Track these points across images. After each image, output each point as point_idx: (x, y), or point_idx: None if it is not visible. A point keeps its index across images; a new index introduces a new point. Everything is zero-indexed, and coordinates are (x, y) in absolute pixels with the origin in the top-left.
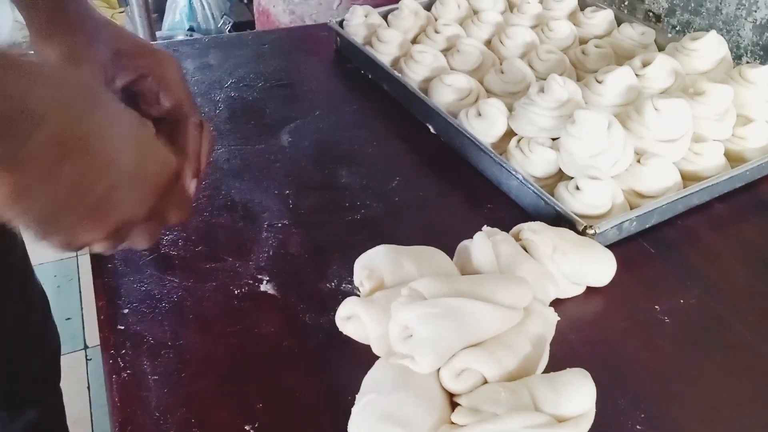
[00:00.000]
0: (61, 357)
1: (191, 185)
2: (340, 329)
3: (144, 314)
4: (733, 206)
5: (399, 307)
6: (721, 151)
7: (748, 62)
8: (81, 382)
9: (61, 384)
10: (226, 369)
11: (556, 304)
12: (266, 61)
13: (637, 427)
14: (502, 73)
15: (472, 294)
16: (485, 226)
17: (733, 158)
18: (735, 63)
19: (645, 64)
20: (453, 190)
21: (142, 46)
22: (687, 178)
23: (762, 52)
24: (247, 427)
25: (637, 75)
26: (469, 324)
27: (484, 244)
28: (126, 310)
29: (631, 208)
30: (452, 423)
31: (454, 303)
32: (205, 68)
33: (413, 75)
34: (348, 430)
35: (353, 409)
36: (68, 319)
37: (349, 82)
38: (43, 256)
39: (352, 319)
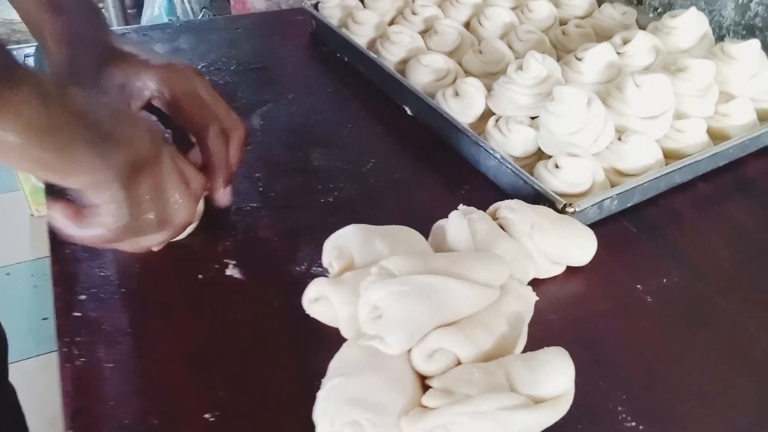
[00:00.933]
0: (38, 357)
1: (224, 197)
2: (307, 312)
3: (102, 300)
4: (717, 185)
5: (368, 286)
6: (703, 127)
7: None
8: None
9: (38, 385)
10: (188, 356)
11: (535, 284)
12: (239, 45)
13: (619, 408)
14: (481, 53)
15: (446, 272)
16: (461, 205)
17: (715, 136)
18: (717, 42)
19: (625, 42)
20: (430, 172)
21: (149, 67)
22: (669, 156)
23: (744, 32)
24: (207, 416)
25: (617, 53)
26: (442, 302)
27: (459, 223)
28: (83, 297)
29: (613, 187)
30: (423, 406)
31: (426, 280)
32: (175, 52)
33: (390, 56)
34: (313, 416)
35: (319, 394)
36: (45, 319)
37: (324, 65)
38: (20, 255)
39: (320, 301)
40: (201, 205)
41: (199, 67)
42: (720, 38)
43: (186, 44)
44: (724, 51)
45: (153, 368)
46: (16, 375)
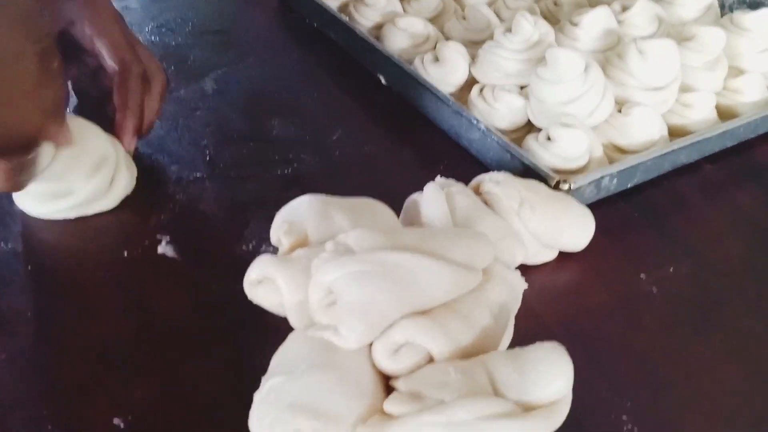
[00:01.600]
0: None
1: (131, 143)
2: (249, 297)
3: (1, 279)
4: (725, 169)
5: (321, 265)
6: (712, 102)
7: None
8: None
9: None
10: (102, 349)
11: (523, 271)
12: (198, 7)
13: (623, 417)
14: (465, 19)
15: (417, 249)
16: (439, 176)
17: (724, 114)
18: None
19: (624, 9)
20: (404, 146)
21: None
22: (674, 133)
23: (749, 8)
24: (116, 421)
25: (617, 21)
26: (412, 285)
27: (436, 197)
28: None
29: (611, 164)
30: (385, 413)
31: (393, 259)
32: (123, 11)
33: (363, 21)
34: (249, 423)
35: (255, 396)
36: None
37: (291, 31)
38: None
39: (265, 284)
40: (132, 170)
41: (150, 26)
42: (724, 14)
43: (136, 3)
44: (734, 22)
45: (56, 362)
46: None
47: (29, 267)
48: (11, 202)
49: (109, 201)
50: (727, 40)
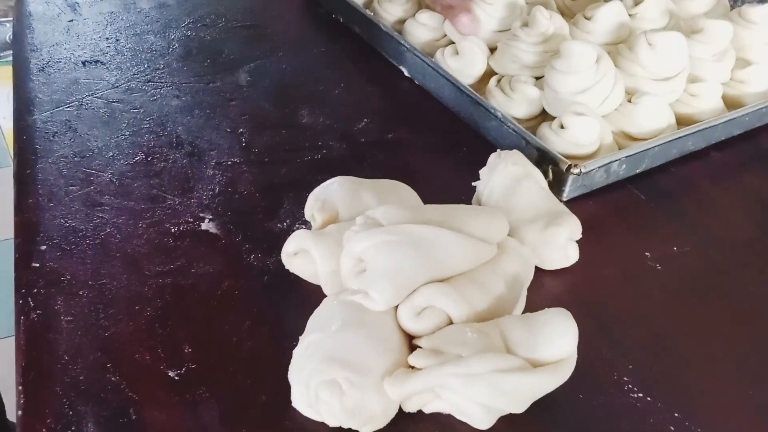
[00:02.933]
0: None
1: None
2: (286, 267)
3: (64, 251)
4: (732, 155)
5: (352, 236)
6: (719, 92)
7: None
8: None
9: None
10: (153, 311)
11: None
12: (229, 3)
13: (624, 378)
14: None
15: (439, 223)
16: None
17: (731, 104)
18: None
19: (636, 3)
20: (425, 133)
21: None
22: (682, 122)
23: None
24: (171, 373)
25: (629, 15)
26: (434, 255)
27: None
28: (44, 247)
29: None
30: (410, 367)
31: (417, 231)
32: (161, 7)
33: (387, 15)
34: (288, 375)
35: (294, 351)
36: None
37: (317, 25)
38: (6, 233)
39: (301, 255)
40: None
41: (186, 22)
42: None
43: (173, 0)
44: (742, 15)
45: (114, 323)
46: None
47: (88, 241)
48: (70, 183)
49: None
50: (734, 33)
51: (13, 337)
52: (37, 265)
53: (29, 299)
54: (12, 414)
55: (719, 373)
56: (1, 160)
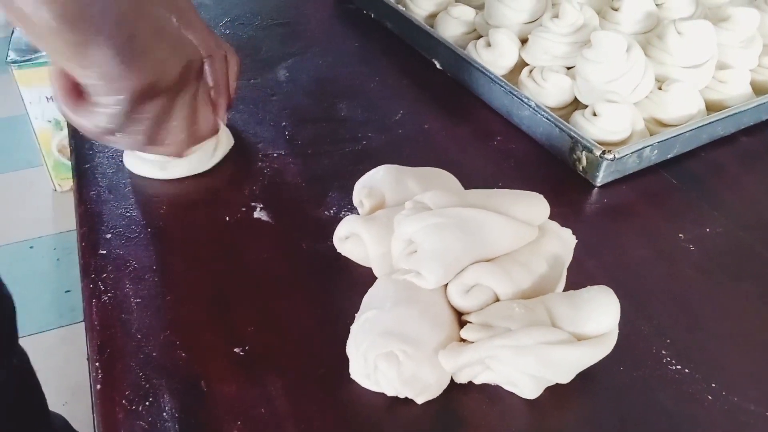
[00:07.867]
0: (59, 329)
1: (224, 117)
2: (338, 250)
3: (128, 239)
4: (760, 140)
5: (402, 220)
6: (747, 78)
7: None
8: (80, 353)
9: (60, 355)
10: (214, 294)
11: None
12: (263, 1)
13: (663, 352)
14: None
15: (483, 206)
16: None
17: (759, 90)
18: None
19: None
20: (459, 123)
21: None
22: (711, 108)
23: None
24: (236, 350)
25: (656, 5)
26: (480, 236)
27: None
28: (109, 235)
29: None
30: (462, 340)
31: (464, 213)
32: (199, 7)
33: (418, 10)
34: (347, 349)
35: (352, 327)
36: (68, 291)
37: (350, 21)
38: (43, 229)
39: (352, 239)
40: (230, 137)
41: (224, 21)
42: None
43: (210, 0)
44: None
45: (179, 305)
46: (36, 346)
47: (149, 230)
48: (127, 176)
49: (214, 161)
50: (761, 20)
51: (47, 333)
52: (104, 252)
53: (99, 283)
54: (54, 405)
55: (751, 346)
56: (32, 160)
